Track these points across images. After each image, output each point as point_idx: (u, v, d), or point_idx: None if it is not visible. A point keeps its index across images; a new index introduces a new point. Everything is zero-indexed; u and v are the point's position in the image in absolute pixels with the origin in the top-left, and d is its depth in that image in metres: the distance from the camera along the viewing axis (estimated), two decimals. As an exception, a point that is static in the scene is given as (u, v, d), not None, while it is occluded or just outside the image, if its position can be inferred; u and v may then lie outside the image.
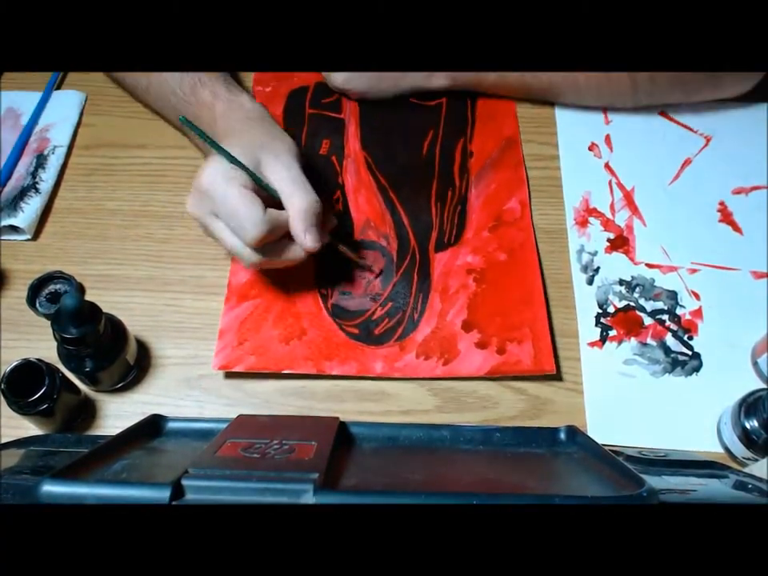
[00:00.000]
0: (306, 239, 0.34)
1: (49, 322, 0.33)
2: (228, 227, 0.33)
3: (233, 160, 0.33)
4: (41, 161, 0.45)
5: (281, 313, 0.38)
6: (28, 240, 0.42)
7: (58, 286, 0.39)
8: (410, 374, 0.37)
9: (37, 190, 0.43)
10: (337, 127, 0.46)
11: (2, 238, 0.42)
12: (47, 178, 0.44)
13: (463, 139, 0.45)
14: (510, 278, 0.39)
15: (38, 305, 0.38)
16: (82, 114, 0.48)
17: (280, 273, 0.39)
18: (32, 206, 0.42)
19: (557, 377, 0.38)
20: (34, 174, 0.44)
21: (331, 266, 0.40)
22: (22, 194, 0.43)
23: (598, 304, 0.40)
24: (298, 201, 0.33)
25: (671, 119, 0.47)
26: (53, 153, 0.45)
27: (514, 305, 0.38)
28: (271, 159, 0.34)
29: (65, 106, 0.47)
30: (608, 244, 0.42)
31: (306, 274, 0.40)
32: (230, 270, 0.40)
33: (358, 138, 0.45)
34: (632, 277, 0.41)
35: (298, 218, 0.33)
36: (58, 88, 0.49)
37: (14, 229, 0.42)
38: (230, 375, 0.38)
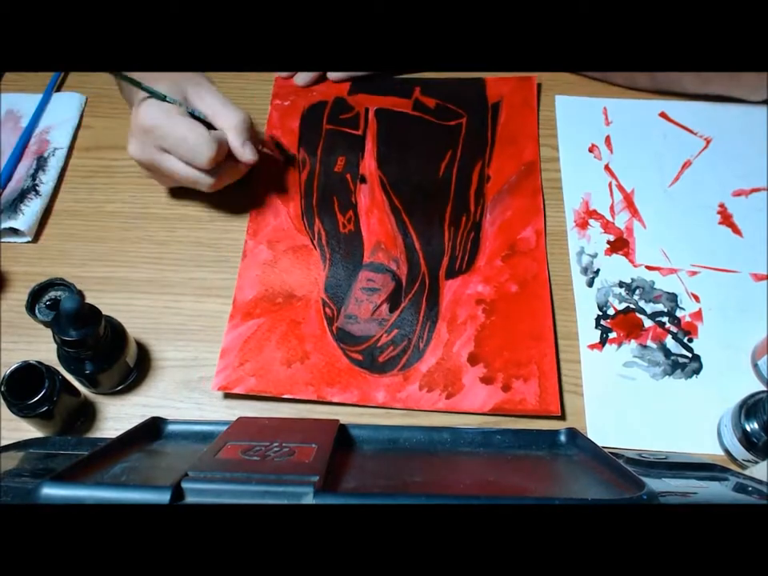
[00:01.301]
0: (245, 152, 0.37)
1: (49, 325, 0.33)
2: (179, 158, 0.36)
3: (164, 97, 0.37)
4: (41, 163, 0.45)
5: (284, 334, 0.38)
6: (28, 242, 0.42)
7: (58, 293, 0.39)
8: (411, 406, 0.36)
9: (37, 192, 0.43)
10: (353, 144, 0.45)
11: (2, 240, 0.42)
12: (47, 180, 0.44)
13: (481, 162, 0.44)
14: (521, 311, 0.38)
15: (37, 311, 0.38)
16: (82, 116, 0.48)
17: (286, 291, 0.39)
18: (32, 209, 0.42)
19: (558, 378, 0.37)
20: (34, 177, 0.44)
21: (338, 287, 0.39)
22: (22, 196, 0.43)
23: (598, 306, 0.40)
24: (230, 118, 0.37)
25: (671, 121, 0.47)
26: (53, 155, 0.45)
27: (522, 339, 0.37)
28: (196, 88, 0.38)
29: (65, 108, 0.47)
30: (608, 246, 0.42)
31: (313, 294, 0.39)
32: (235, 286, 0.40)
33: (374, 156, 0.44)
34: (632, 279, 0.41)
35: (235, 133, 0.37)
36: (58, 90, 0.49)
37: (14, 231, 0.42)
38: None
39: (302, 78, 0.49)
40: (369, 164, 0.44)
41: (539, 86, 0.48)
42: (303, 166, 0.45)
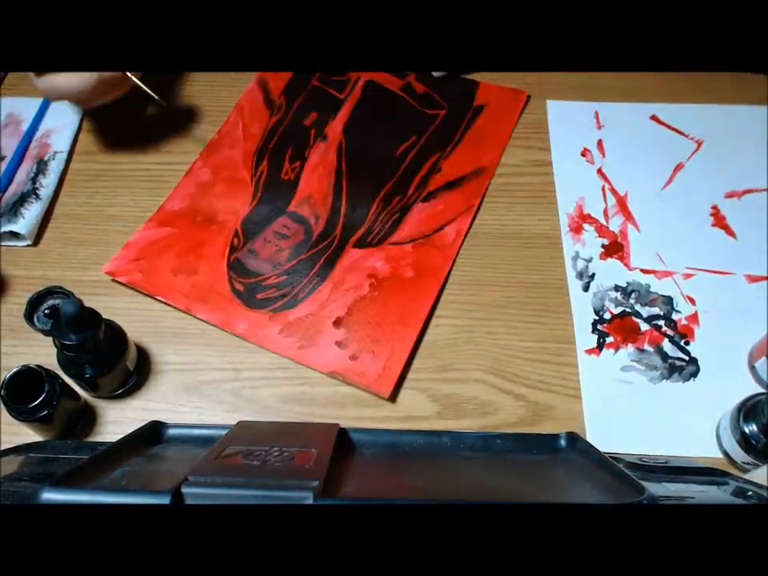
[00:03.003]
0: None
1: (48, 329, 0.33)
2: None
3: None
4: (41, 167, 0.45)
5: (187, 248, 0.41)
6: (28, 246, 0.42)
7: (56, 301, 0.39)
8: (264, 345, 0.38)
9: (37, 196, 0.43)
10: (331, 105, 0.47)
11: (3, 243, 0.42)
12: (48, 184, 0.44)
13: (439, 154, 0.45)
14: (403, 297, 0.39)
15: (36, 320, 0.38)
16: (82, 119, 0.48)
17: (208, 213, 0.42)
18: (32, 212, 0.42)
19: (557, 383, 0.38)
20: (34, 180, 0.44)
21: (255, 223, 0.42)
22: (22, 199, 0.43)
23: (594, 311, 0.40)
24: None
25: (662, 123, 0.47)
26: (53, 159, 0.45)
27: (391, 321, 0.38)
28: None
29: (65, 112, 0.47)
30: (603, 250, 0.42)
31: (229, 223, 0.42)
32: (167, 195, 0.43)
33: (344, 120, 0.46)
34: (627, 283, 0.41)
35: None
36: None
37: (14, 235, 0.42)
38: (228, 380, 0.38)
39: None
40: (336, 125, 0.46)
41: (528, 97, 0.49)
42: (277, 110, 0.47)
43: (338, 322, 0.38)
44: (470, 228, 0.43)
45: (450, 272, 0.41)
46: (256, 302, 0.39)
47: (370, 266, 0.40)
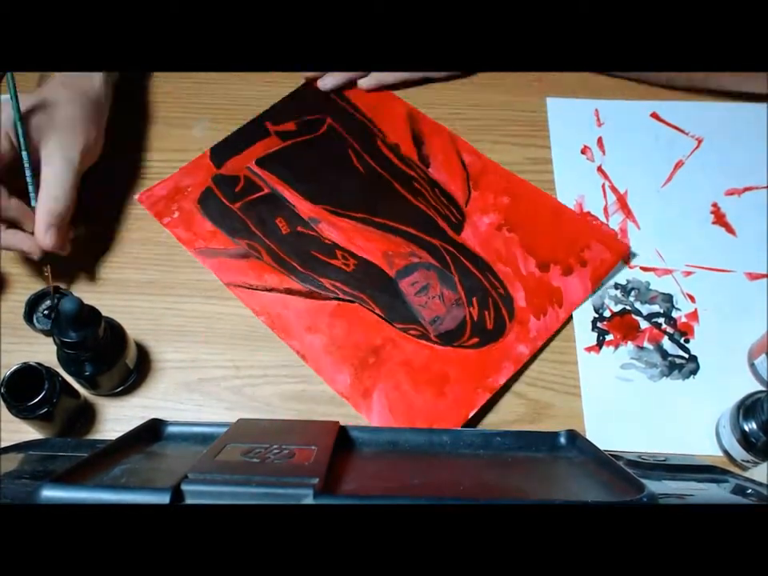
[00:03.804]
0: (45, 237, 0.36)
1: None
2: None
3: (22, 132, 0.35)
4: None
5: (409, 378, 0.36)
6: (27, 244, 0.42)
7: (55, 301, 0.39)
8: (548, 334, 0.38)
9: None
10: (274, 202, 0.43)
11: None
12: (46, 182, 0.44)
13: (379, 138, 0.46)
14: (531, 211, 0.42)
15: (35, 320, 0.38)
16: (81, 118, 0.48)
17: (367, 350, 0.37)
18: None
19: (556, 380, 0.38)
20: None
21: (395, 310, 0.38)
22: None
23: (594, 308, 0.40)
24: (46, 200, 0.36)
25: (663, 121, 0.47)
26: (52, 157, 0.45)
27: (554, 225, 0.41)
28: (52, 151, 0.36)
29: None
30: (604, 248, 0.43)
31: (387, 333, 0.38)
32: (326, 384, 0.37)
33: (300, 198, 0.43)
34: (627, 280, 0.41)
35: (42, 213, 0.36)
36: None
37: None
38: (228, 378, 0.38)
39: (329, 81, 0.48)
40: (303, 208, 0.42)
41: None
42: (258, 252, 0.41)
43: (542, 267, 0.40)
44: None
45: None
46: (496, 332, 0.38)
47: (485, 225, 0.42)
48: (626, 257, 0.40)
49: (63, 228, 0.37)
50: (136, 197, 0.44)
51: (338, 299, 0.39)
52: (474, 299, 0.39)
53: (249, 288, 0.40)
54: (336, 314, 0.39)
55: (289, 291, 0.39)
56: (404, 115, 0.47)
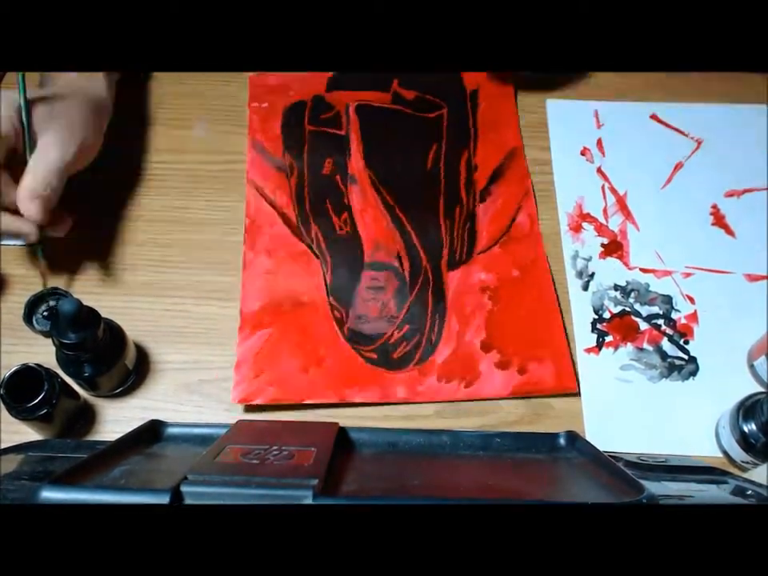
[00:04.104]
0: (29, 206, 0.35)
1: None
2: None
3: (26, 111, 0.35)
4: (40, 166, 0.45)
5: (297, 341, 0.38)
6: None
7: (55, 303, 0.38)
8: (432, 398, 0.36)
9: (36, 195, 0.43)
10: (339, 145, 0.45)
11: (2, 243, 0.42)
12: (46, 183, 0.44)
13: (467, 152, 0.45)
14: (525, 295, 0.39)
15: (35, 321, 0.38)
16: (81, 119, 0.48)
17: (291, 298, 0.39)
18: (31, 211, 0.42)
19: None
20: (33, 179, 0.44)
21: (343, 289, 0.40)
22: (21, 199, 0.43)
23: (594, 310, 0.40)
24: (34, 171, 0.35)
25: (662, 122, 0.47)
26: (52, 158, 0.45)
27: (531, 322, 0.38)
28: (47, 143, 0.36)
29: (64, 111, 0.47)
30: (602, 249, 0.43)
31: (318, 299, 0.39)
32: (240, 298, 0.39)
33: (360, 155, 0.44)
34: (627, 282, 0.41)
35: (32, 177, 0.35)
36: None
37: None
38: (228, 379, 0.38)
39: None
40: (356, 164, 0.44)
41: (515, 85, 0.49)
42: (291, 172, 0.44)
43: (485, 346, 0.37)
44: (537, 209, 0.43)
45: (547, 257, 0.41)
46: (397, 362, 0.37)
47: (476, 282, 0.40)
48: (570, 392, 0.36)
49: (48, 201, 0.36)
50: (249, 75, 0.47)
51: (310, 248, 0.41)
52: (406, 327, 0.38)
53: (260, 193, 0.43)
54: (295, 256, 0.41)
55: (282, 215, 0.42)
56: (507, 148, 0.45)
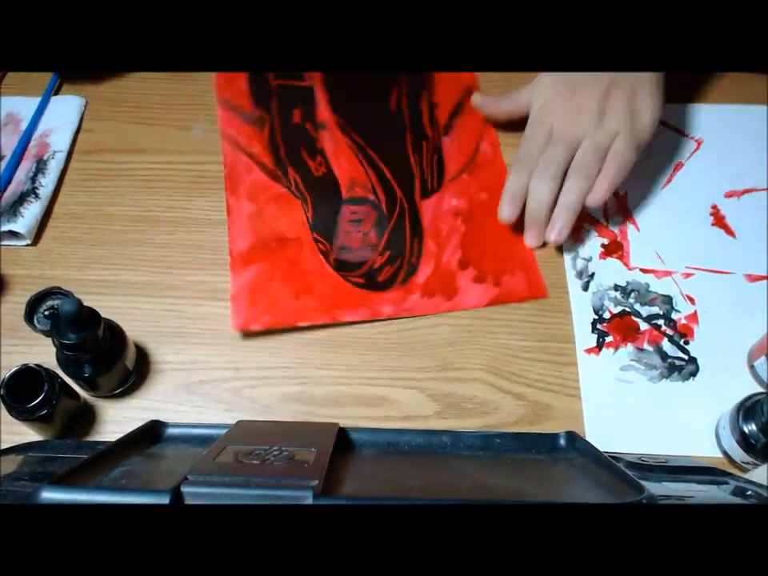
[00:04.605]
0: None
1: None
2: None
3: None
4: (40, 166, 0.45)
5: (286, 273, 0.40)
6: (28, 245, 0.42)
7: (56, 302, 0.38)
8: (417, 312, 0.39)
9: (36, 196, 0.43)
10: (305, 95, 0.47)
11: (2, 243, 0.42)
12: (47, 183, 0.44)
13: (426, 92, 0.48)
14: (494, 215, 0.42)
15: (36, 321, 0.38)
16: (82, 119, 0.48)
17: (277, 236, 0.42)
18: (32, 212, 0.42)
19: (556, 382, 0.38)
20: (33, 179, 0.44)
21: (325, 224, 0.42)
22: (21, 199, 0.43)
23: (594, 310, 0.40)
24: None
25: (663, 123, 0.47)
26: (53, 158, 0.45)
27: (501, 240, 0.42)
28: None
29: (65, 111, 0.47)
30: (602, 249, 0.42)
31: (303, 234, 0.42)
32: (228, 239, 0.42)
33: (327, 102, 0.47)
34: (627, 282, 0.41)
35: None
36: (58, 93, 0.49)
37: (13, 234, 0.42)
38: (228, 379, 0.38)
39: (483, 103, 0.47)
40: (323, 111, 0.47)
41: None
42: (263, 124, 0.46)
43: (462, 264, 0.41)
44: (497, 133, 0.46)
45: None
46: (382, 284, 0.40)
47: (449, 208, 0.43)
48: (542, 297, 0.40)
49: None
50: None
51: (289, 190, 0.43)
52: (387, 253, 0.41)
53: (236, 145, 0.45)
54: (276, 198, 0.43)
55: (260, 164, 0.44)
56: (463, 85, 0.48)
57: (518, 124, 0.44)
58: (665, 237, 0.43)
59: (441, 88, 0.48)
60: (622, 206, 0.44)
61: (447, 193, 0.43)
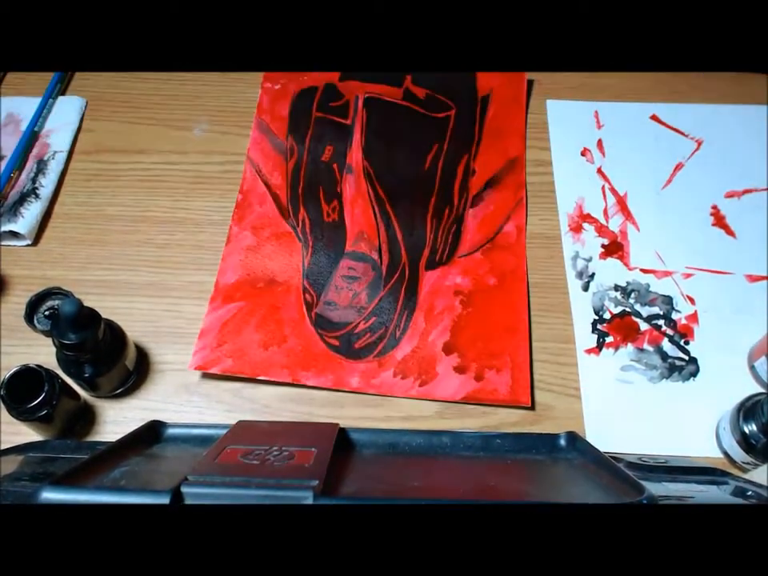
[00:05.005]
0: None
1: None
2: None
3: None
4: (41, 166, 0.45)
5: (264, 318, 0.39)
6: (28, 246, 0.42)
7: (56, 302, 0.39)
8: (384, 392, 0.36)
9: (37, 196, 0.43)
10: (342, 134, 0.46)
11: (2, 243, 0.42)
12: (47, 184, 0.44)
13: (467, 156, 0.45)
14: (497, 304, 0.39)
15: (36, 321, 0.38)
16: (82, 119, 0.48)
17: (267, 276, 0.40)
18: (32, 212, 0.42)
19: (556, 382, 0.38)
20: (34, 180, 0.44)
21: (319, 274, 0.40)
22: (22, 199, 0.43)
23: (594, 310, 0.40)
24: None
25: (662, 123, 0.47)
26: (53, 158, 0.45)
27: (497, 331, 0.38)
28: None
29: (65, 111, 0.47)
30: (602, 250, 0.42)
31: (294, 280, 0.40)
32: (218, 269, 0.40)
33: (361, 147, 0.45)
34: (627, 282, 0.41)
35: None
36: (59, 94, 0.49)
37: (14, 234, 0.42)
38: (226, 379, 0.38)
39: None
40: (356, 154, 0.45)
41: (530, 83, 0.49)
42: (291, 154, 0.45)
43: (447, 348, 0.37)
44: (527, 222, 0.43)
45: (528, 270, 0.41)
46: (357, 352, 0.37)
47: (451, 284, 0.40)
48: (520, 406, 0.36)
49: None
50: None
51: (294, 230, 0.42)
52: (372, 319, 0.38)
53: (257, 172, 0.44)
54: (278, 236, 0.42)
55: (274, 195, 0.43)
56: (508, 156, 0.45)
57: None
58: (665, 237, 0.43)
59: (484, 155, 0.45)
60: (622, 206, 0.44)
61: (454, 268, 0.40)
